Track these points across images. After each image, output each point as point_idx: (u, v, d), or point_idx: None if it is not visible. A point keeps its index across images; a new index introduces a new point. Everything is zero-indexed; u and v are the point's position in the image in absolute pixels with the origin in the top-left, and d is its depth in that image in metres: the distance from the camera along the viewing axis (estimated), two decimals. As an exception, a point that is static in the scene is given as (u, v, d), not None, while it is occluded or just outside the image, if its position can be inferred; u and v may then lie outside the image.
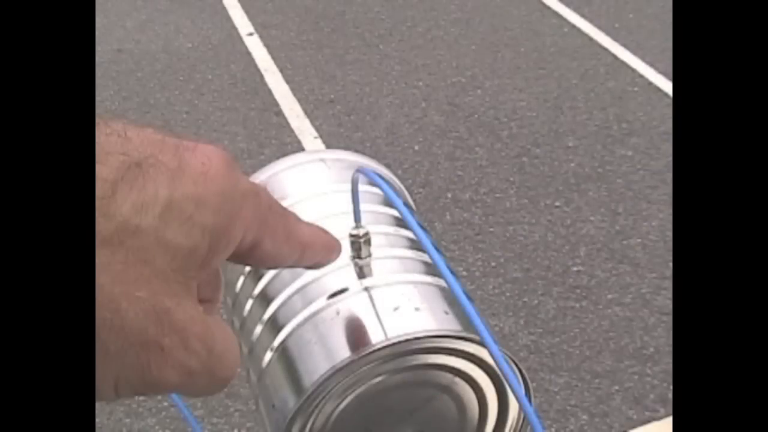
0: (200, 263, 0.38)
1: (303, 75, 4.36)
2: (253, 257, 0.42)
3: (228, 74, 4.38)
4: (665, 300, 2.96)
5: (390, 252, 0.62)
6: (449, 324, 0.57)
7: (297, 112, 4.04)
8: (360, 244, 0.59)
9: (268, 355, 0.59)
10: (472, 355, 0.58)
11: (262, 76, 4.34)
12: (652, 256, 3.16)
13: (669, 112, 4.02)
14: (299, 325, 0.58)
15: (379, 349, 0.54)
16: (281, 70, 4.39)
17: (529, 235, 3.27)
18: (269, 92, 4.21)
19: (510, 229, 3.29)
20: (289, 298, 0.60)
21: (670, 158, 3.68)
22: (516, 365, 0.58)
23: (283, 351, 0.58)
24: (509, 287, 3.02)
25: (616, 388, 2.67)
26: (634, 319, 2.90)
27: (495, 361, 0.46)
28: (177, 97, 4.18)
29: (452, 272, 0.54)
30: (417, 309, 0.57)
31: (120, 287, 0.35)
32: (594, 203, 3.43)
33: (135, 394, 0.37)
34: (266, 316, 0.61)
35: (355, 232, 0.59)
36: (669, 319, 2.90)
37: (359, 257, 0.60)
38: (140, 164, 0.36)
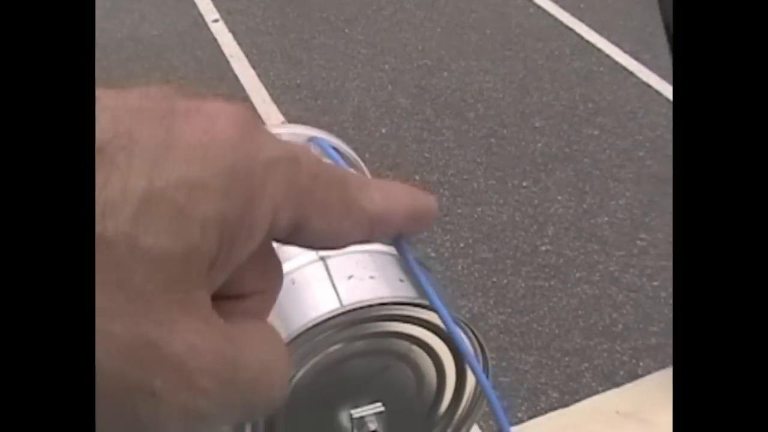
0: (207, 266, 0.29)
1: (269, 60, 4.35)
2: (302, 239, 0.33)
3: (194, 61, 4.36)
4: (633, 277, 2.98)
5: (345, 222, 0.62)
6: (404, 291, 0.57)
7: (264, 97, 4.03)
8: (315, 214, 0.59)
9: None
10: (428, 322, 0.59)
11: (228, 62, 4.33)
12: (620, 234, 3.17)
13: (635, 91, 4.04)
14: (255, 296, 0.59)
15: (334, 317, 0.55)
16: (247, 56, 4.37)
17: (497, 215, 3.28)
18: (235, 78, 4.19)
19: (478, 210, 3.30)
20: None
21: (636, 137, 3.71)
22: (472, 332, 0.58)
23: (240, 322, 0.59)
24: (478, 267, 3.03)
25: (586, 365, 2.69)
26: (602, 296, 2.92)
27: (444, 323, 0.46)
28: (143, 84, 4.15)
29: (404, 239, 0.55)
30: (372, 277, 0.57)
31: None
32: (561, 183, 3.44)
33: None
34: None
35: (309, 202, 0.59)
36: (637, 296, 2.92)
37: (314, 228, 0.60)
38: (102, 150, 0.27)
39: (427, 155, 3.61)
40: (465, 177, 3.48)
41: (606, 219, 3.25)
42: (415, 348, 0.60)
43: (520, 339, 2.77)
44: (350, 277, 0.57)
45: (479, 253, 3.09)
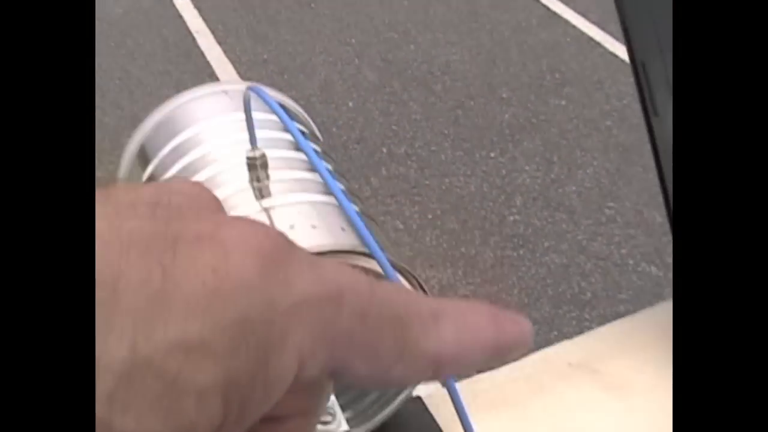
0: None
1: (235, 36, 4.33)
2: (342, 382, 0.27)
3: (160, 38, 4.33)
4: (601, 246, 2.99)
5: (289, 174, 0.62)
6: (345, 239, 0.57)
7: (230, 73, 4.01)
8: (257, 166, 0.59)
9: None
10: (371, 271, 0.59)
11: (194, 39, 4.30)
12: (588, 203, 3.19)
13: (601, 61, 4.05)
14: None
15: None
16: (213, 32, 4.35)
17: (465, 186, 3.28)
18: (201, 55, 4.17)
19: (446, 182, 3.30)
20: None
21: (603, 106, 3.72)
22: (416, 279, 0.58)
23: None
24: (446, 239, 3.04)
25: (555, 333, 2.70)
26: (570, 265, 2.93)
27: (382, 268, 0.46)
28: (109, 63, 4.12)
29: (344, 191, 0.55)
30: (314, 226, 0.57)
31: None
32: (529, 153, 3.45)
33: None
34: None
35: (251, 154, 0.59)
36: (605, 264, 2.93)
37: (257, 180, 0.60)
38: None
39: (394, 128, 3.61)
40: (432, 149, 3.48)
41: (573, 188, 3.26)
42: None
43: (490, 309, 2.77)
44: (292, 226, 0.57)
45: (447, 224, 3.10)
